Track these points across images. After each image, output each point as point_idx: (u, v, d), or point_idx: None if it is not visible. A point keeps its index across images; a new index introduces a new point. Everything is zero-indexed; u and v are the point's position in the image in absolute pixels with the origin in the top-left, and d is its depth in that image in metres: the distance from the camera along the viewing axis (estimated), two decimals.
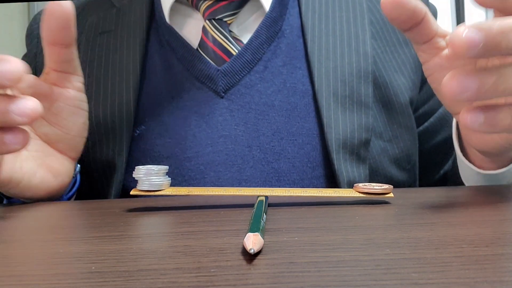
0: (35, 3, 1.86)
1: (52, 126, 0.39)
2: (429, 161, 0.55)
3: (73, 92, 0.39)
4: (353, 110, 0.45)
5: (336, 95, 0.45)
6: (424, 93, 0.53)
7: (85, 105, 0.40)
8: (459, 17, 1.85)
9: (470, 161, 0.40)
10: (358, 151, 0.44)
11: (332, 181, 0.44)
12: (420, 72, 0.50)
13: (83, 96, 0.40)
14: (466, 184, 0.44)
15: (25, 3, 1.84)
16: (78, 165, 0.44)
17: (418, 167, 0.53)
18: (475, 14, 1.85)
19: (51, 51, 0.36)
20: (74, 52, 0.37)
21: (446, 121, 0.54)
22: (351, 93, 0.46)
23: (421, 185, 0.54)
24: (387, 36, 0.50)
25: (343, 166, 0.43)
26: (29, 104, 0.30)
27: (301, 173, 0.44)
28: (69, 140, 0.40)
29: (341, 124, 0.45)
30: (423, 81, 0.51)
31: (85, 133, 0.41)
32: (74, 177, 0.43)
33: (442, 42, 0.33)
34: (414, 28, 0.31)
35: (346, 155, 0.44)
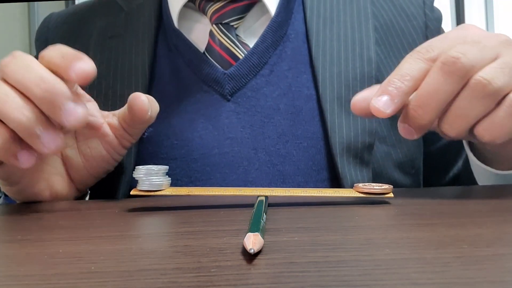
0: (35, 3, 1.86)
1: (79, 156, 0.39)
2: (437, 163, 0.55)
3: (116, 144, 0.39)
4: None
5: (340, 100, 0.46)
6: None
7: (119, 158, 0.41)
8: (459, 17, 1.85)
9: (486, 163, 0.40)
10: (361, 154, 0.45)
11: (337, 184, 0.45)
12: None
13: (123, 151, 0.40)
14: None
15: (25, 3, 1.85)
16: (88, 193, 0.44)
17: (427, 170, 0.52)
18: (475, 14, 1.85)
19: (128, 123, 0.38)
20: (143, 128, 0.39)
21: None
22: None
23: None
24: (391, 41, 0.50)
25: (347, 169, 0.44)
26: (80, 112, 0.30)
27: (306, 176, 0.45)
28: (85, 174, 0.40)
29: (345, 128, 0.45)
30: None
31: (102, 176, 0.41)
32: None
33: None
34: None
35: (350, 159, 0.44)
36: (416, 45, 0.53)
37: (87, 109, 0.31)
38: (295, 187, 0.44)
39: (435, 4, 0.56)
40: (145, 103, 0.36)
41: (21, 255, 0.21)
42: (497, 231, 0.22)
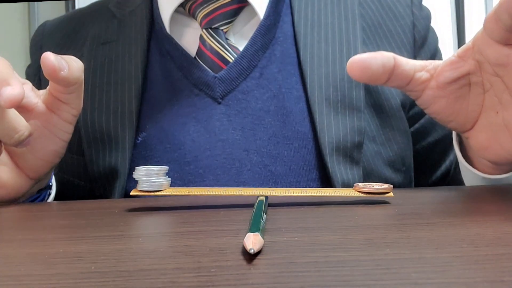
0: (35, 3, 1.86)
1: None
2: (423, 162, 0.55)
3: (56, 119, 0.38)
4: (345, 114, 0.46)
5: (328, 100, 0.47)
6: None
7: (66, 136, 0.39)
8: (459, 17, 1.85)
9: (472, 165, 0.40)
10: (351, 153, 0.45)
11: (328, 183, 0.45)
12: None
13: (67, 127, 0.38)
14: None
15: (25, 3, 1.85)
16: (52, 191, 0.43)
17: (414, 169, 0.53)
18: (475, 14, 1.85)
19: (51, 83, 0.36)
20: (74, 88, 0.36)
21: (436, 123, 0.55)
22: (343, 98, 0.47)
23: (417, 187, 0.54)
24: (378, 41, 0.51)
25: (337, 168, 0.44)
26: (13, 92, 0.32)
27: (297, 175, 0.46)
28: (31, 159, 0.38)
29: (334, 128, 0.46)
30: None
31: (54, 160, 0.39)
32: (42, 192, 0.42)
33: (425, 75, 0.34)
34: (391, 77, 0.33)
35: (340, 158, 0.45)
36: (404, 45, 0.54)
37: (23, 91, 0.32)
38: (286, 187, 0.45)
39: (435, 3, 0.56)
40: (51, 62, 0.33)
41: (21, 255, 0.21)
42: (497, 231, 0.22)
